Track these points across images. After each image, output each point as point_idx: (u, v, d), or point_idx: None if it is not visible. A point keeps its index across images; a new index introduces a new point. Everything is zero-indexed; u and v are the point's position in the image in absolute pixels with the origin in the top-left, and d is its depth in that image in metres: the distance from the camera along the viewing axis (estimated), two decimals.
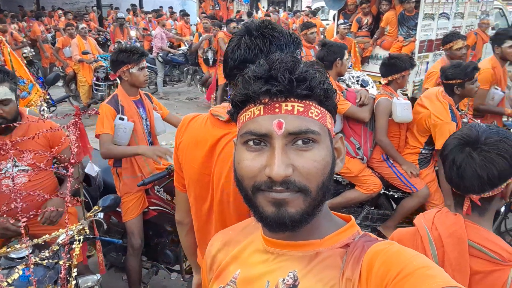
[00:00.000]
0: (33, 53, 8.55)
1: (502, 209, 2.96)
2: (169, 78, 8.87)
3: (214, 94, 6.99)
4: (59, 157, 2.13)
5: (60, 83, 7.18)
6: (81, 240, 1.69)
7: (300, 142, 0.65)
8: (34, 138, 1.69)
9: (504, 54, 3.60)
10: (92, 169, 2.54)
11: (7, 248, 1.64)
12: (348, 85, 3.48)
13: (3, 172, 1.98)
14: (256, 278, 0.72)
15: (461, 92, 2.78)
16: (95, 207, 1.91)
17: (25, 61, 7.27)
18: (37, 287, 1.46)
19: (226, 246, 0.83)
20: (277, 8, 15.90)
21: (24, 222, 1.49)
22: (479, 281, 1.10)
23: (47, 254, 1.61)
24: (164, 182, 2.46)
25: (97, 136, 2.38)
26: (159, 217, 2.58)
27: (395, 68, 2.94)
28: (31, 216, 1.71)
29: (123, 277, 2.78)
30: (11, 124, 1.94)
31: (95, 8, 14.35)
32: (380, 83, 3.28)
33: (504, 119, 3.85)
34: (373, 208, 3.17)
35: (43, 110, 3.44)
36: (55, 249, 1.65)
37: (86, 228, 1.76)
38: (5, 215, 1.82)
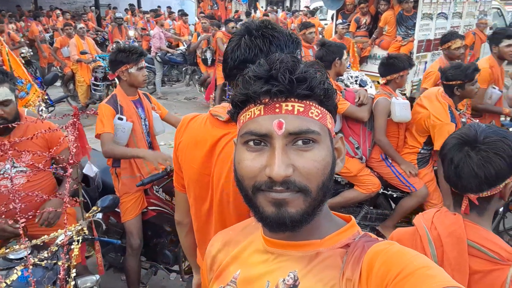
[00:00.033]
0: (31, 53, 8.53)
1: (501, 208, 2.96)
2: (167, 78, 8.86)
3: (213, 94, 6.99)
4: (57, 158, 2.12)
5: (58, 83, 7.17)
6: (80, 240, 1.68)
7: (300, 142, 0.65)
8: (32, 139, 1.69)
9: (501, 53, 3.61)
10: (91, 169, 2.52)
11: (6, 249, 1.63)
12: (346, 85, 3.48)
13: (1, 173, 1.98)
14: (256, 278, 0.72)
15: (461, 93, 2.78)
16: (94, 208, 1.91)
17: (23, 61, 7.25)
18: None
19: (226, 246, 0.83)
20: (275, 8, 15.91)
21: (22, 223, 1.49)
22: (478, 281, 1.10)
23: (46, 255, 1.61)
24: (163, 182, 2.45)
25: (97, 135, 2.36)
26: (158, 217, 2.57)
27: (394, 67, 2.94)
28: (30, 217, 1.70)
29: (122, 277, 2.78)
30: (10, 125, 1.94)
31: (93, 8, 14.34)
32: (378, 83, 3.28)
33: (502, 118, 3.87)
34: (372, 207, 3.18)
35: (42, 110, 3.43)
36: (54, 250, 1.64)
37: (85, 228, 1.75)
38: (3, 216, 1.81)
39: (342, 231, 0.72)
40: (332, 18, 7.88)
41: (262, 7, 16.28)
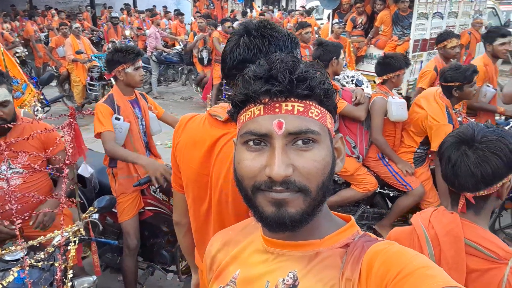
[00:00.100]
0: (26, 53, 8.46)
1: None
2: (163, 78, 8.84)
3: (210, 94, 6.98)
4: (54, 158, 2.11)
5: (53, 83, 7.13)
6: (77, 241, 1.68)
7: (300, 142, 0.65)
8: (28, 139, 1.68)
9: (495, 51, 3.64)
10: (86, 170, 2.50)
11: (2, 250, 1.62)
12: (342, 85, 3.49)
13: None
14: (256, 278, 0.72)
15: (459, 94, 2.78)
16: (91, 208, 1.90)
17: (18, 61, 7.20)
18: None
19: (226, 246, 0.83)
20: (271, 7, 15.89)
21: (19, 224, 1.48)
22: (475, 279, 1.10)
23: (42, 256, 1.60)
24: None
25: (97, 135, 2.33)
26: (155, 218, 2.56)
27: (390, 67, 2.95)
28: (26, 218, 1.69)
29: (119, 278, 2.77)
30: (6, 125, 1.93)
31: (88, 7, 14.26)
32: (374, 82, 3.30)
33: (497, 117, 3.89)
34: (368, 207, 3.19)
35: (37, 110, 3.41)
36: (50, 251, 1.63)
37: (82, 229, 1.75)
38: None
39: (341, 231, 0.72)
40: (328, 18, 7.90)
41: (258, 6, 16.27)
